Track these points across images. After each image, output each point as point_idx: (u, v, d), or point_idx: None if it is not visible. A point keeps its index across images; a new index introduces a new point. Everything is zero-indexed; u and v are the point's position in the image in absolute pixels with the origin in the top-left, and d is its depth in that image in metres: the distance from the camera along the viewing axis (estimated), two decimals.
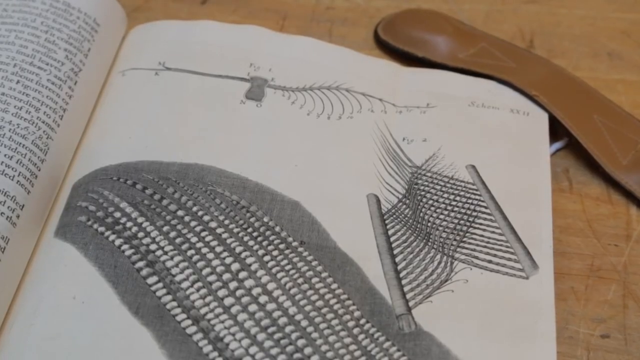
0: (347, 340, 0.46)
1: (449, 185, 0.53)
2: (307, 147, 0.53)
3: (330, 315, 0.46)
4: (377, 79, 0.58)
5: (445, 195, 0.52)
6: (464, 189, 0.53)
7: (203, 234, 0.49)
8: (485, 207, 0.52)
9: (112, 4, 0.58)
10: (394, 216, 0.51)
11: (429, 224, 0.51)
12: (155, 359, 0.44)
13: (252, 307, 0.46)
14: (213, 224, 0.49)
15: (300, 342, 0.45)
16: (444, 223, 0.51)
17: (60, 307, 0.46)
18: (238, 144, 0.53)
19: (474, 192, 0.53)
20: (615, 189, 0.55)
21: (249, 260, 0.48)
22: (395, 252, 0.49)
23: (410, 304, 0.47)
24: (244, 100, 0.55)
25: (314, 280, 0.48)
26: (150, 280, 0.47)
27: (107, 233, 0.48)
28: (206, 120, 0.54)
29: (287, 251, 0.49)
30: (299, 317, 0.46)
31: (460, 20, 0.63)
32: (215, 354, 0.45)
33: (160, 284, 0.47)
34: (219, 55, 0.57)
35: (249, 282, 0.47)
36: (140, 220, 0.49)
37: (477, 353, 0.46)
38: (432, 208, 0.52)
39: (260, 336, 0.45)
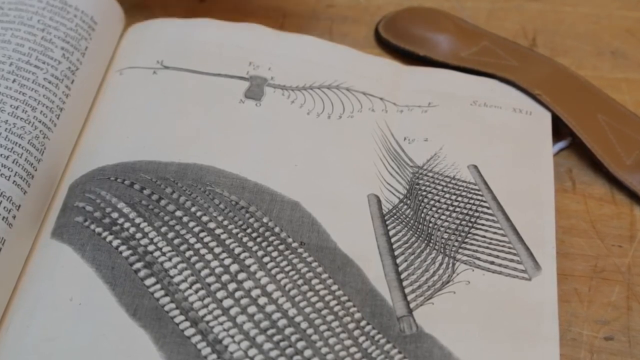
0: (348, 342, 0.45)
1: (450, 185, 0.53)
2: (307, 147, 0.53)
3: (330, 317, 0.46)
4: (378, 78, 0.57)
5: (447, 195, 0.52)
6: (465, 189, 0.52)
7: (202, 234, 0.49)
8: (488, 208, 0.52)
9: (109, 2, 0.58)
10: (395, 217, 0.51)
11: (431, 225, 0.51)
12: None
13: (252, 309, 0.46)
14: (212, 225, 0.49)
15: (300, 344, 0.45)
16: (446, 224, 0.51)
17: (57, 309, 0.45)
18: (237, 144, 0.53)
19: (476, 192, 0.52)
20: (619, 189, 0.54)
21: (248, 262, 0.48)
22: (396, 253, 0.49)
23: (412, 305, 0.47)
24: (243, 100, 0.55)
25: (314, 281, 0.48)
26: (148, 281, 0.47)
27: (104, 234, 0.48)
28: (205, 119, 0.53)
29: (286, 252, 0.49)
30: (298, 318, 0.46)
31: (462, 18, 0.63)
32: (214, 356, 0.44)
33: (158, 286, 0.47)
34: (218, 53, 0.57)
35: (248, 284, 0.47)
36: (138, 220, 0.49)
37: (479, 355, 0.46)
38: (434, 209, 0.51)
39: (260, 338, 0.45)
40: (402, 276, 0.48)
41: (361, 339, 0.46)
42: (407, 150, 0.54)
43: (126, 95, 0.55)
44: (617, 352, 0.47)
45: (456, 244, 0.50)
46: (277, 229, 0.49)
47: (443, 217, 0.51)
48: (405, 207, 0.52)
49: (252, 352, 0.45)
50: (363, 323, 0.46)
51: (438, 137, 0.55)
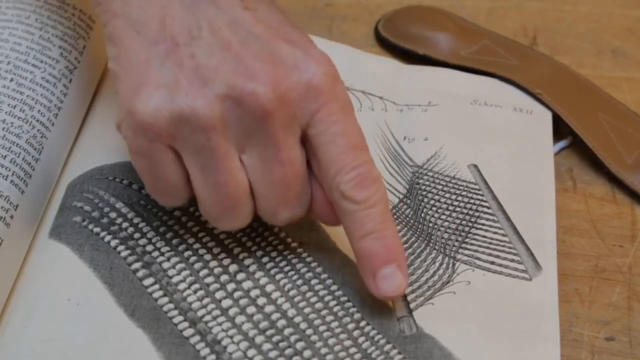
0: (347, 343, 0.45)
1: (450, 185, 0.52)
2: None
3: (329, 318, 0.46)
4: (377, 77, 0.57)
5: (447, 195, 0.52)
6: (466, 188, 0.52)
7: (200, 234, 0.48)
8: (488, 207, 0.51)
9: None
10: (395, 216, 0.51)
11: (431, 225, 0.50)
12: None
13: (250, 309, 0.46)
14: (210, 224, 0.49)
15: (299, 345, 0.45)
16: (446, 223, 0.51)
17: (55, 309, 0.45)
18: None
19: (476, 192, 0.52)
20: (620, 189, 0.54)
21: (247, 262, 0.48)
22: None
23: (412, 305, 0.47)
24: None
25: (313, 281, 0.47)
26: (147, 281, 0.46)
27: (102, 234, 0.48)
28: None
29: (285, 252, 0.48)
30: (297, 319, 0.46)
31: (462, 17, 0.63)
32: (213, 357, 0.44)
33: (156, 286, 0.46)
34: None
35: (247, 284, 0.47)
36: (136, 220, 0.49)
37: (480, 356, 0.45)
38: (434, 208, 0.51)
39: (259, 339, 0.45)
40: None
41: (361, 339, 0.45)
42: (407, 149, 0.54)
43: None
44: (618, 353, 0.47)
45: (456, 244, 0.50)
46: (276, 229, 0.49)
47: (443, 216, 0.51)
48: (405, 206, 0.51)
49: (251, 352, 0.44)
50: (363, 323, 0.46)
51: (438, 137, 0.55)
